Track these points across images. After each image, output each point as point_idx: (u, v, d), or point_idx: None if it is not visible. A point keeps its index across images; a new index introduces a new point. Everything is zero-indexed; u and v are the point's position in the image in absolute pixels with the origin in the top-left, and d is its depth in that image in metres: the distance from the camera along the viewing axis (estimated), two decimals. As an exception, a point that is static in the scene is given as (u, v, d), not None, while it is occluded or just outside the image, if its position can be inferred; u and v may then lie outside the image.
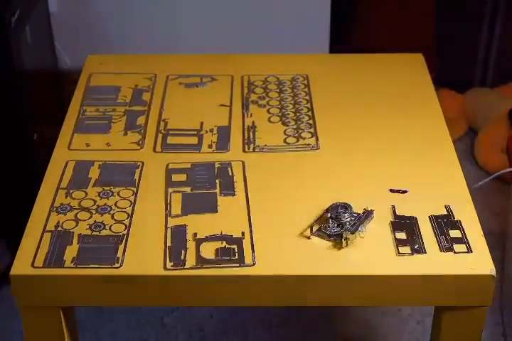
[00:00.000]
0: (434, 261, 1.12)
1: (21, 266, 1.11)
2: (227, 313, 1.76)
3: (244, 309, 1.76)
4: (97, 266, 1.11)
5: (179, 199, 1.22)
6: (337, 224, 1.15)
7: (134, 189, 1.24)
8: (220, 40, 2.09)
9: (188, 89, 1.50)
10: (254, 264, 1.11)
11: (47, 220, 1.18)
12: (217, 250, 1.13)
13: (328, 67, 1.57)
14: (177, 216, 1.19)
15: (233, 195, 1.23)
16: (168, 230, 1.16)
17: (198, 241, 1.14)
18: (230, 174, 1.28)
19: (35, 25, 1.88)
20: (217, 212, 1.20)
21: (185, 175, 1.27)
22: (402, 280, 1.11)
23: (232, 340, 1.71)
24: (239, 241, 1.14)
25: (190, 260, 1.11)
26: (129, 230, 1.17)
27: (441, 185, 1.25)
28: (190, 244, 1.14)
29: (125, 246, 1.14)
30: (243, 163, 1.30)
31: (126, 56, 1.63)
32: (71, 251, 1.13)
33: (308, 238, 1.15)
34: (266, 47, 2.07)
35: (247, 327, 1.73)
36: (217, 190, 1.24)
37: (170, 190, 1.24)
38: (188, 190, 1.24)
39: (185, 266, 1.10)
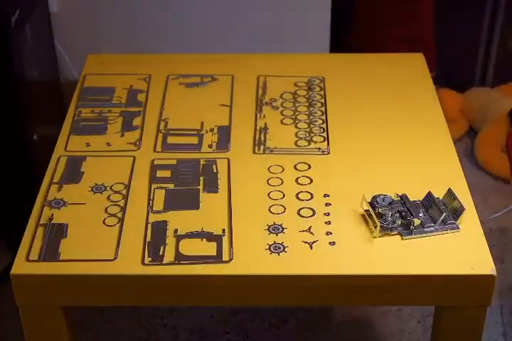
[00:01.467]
0: (434, 261, 1.12)
1: (21, 264, 1.12)
2: (227, 313, 1.76)
3: (245, 309, 1.76)
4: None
5: (162, 194, 1.23)
6: (399, 215, 1.15)
7: (126, 184, 1.26)
8: (220, 40, 2.09)
9: (188, 89, 1.50)
10: (231, 261, 1.11)
11: (40, 215, 1.19)
12: (196, 246, 1.13)
13: (327, 66, 1.57)
14: (159, 212, 1.20)
15: (216, 191, 1.24)
16: (149, 225, 1.17)
17: (178, 238, 1.15)
18: (215, 171, 1.28)
19: (35, 25, 1.88)
20: (199, 208, 1.21)
21: (169, 172, 1.28)
22: (403, 280, 1.11)
23: (232, 340, 1.71)
24: (219, 239, 1.15)
25: (169, 256, 1.12)
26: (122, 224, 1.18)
27: (442, 185, 1.25)
28: (170, 240, 1.15)
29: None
30: (228, 160, 1.30)
31: (126, 56, 1.63)
32: (65, 244, 1.14)
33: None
34: (266, 47, 2.07)
35: (247, 327, 1.73)
36: (201, 187, 1.25)
37: (153, 185, 1.25)
38: (171, 186, 1.25)
39: (163, 262, 1.11)
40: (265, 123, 1.40)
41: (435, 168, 1.29)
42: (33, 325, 1.16)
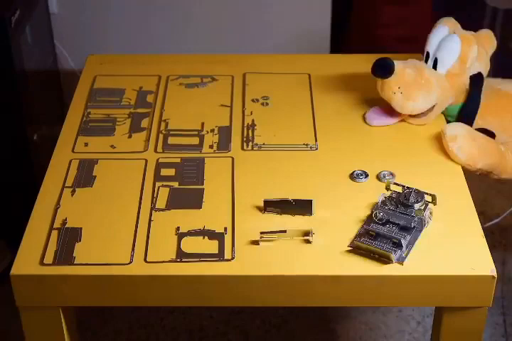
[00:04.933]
0: (434, 262, 1.12)
1: (21, 265, 1.12)
2: (227, 313, 1.76)
3: (245, 309, 1.76)
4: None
5: (166, 193, 1.23)
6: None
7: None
8: (220, 40, 2.09)
9: (188, 90, 1.50)
10: (233, 259, 1.12)
11: (53, 218, 1.19)
12: (197, 244, 1.14)
13: (328, 66, 1.57)
14: (162, 210, 1.20)
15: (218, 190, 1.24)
16: (152, 223, 1.18)
17: (180, 235, 1.15)
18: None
19: (36, 25, 1.88)
20: (201, 207, 1.21)
21: (173, 170, 1.28)
22: (403, 281, 1.11)
23: (232, 340, 1.71)
24: (220, 237, 1.15)
25: (171, 253, 1.12)
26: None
27: (442, 185, 1.25)
28: (172, 238, 1.15)
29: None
30: (233, 159, 1.31)
31: (126, 56, 1.63)
32: (80, 248, 1.14)
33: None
34: (266, 47, 2.08)
35: (247, 327, 1.73)
36: (204, 186, 1.25)
37: (158, 184, 1.25)
38: (175, 184, 1.25)
39: (165, 259, 1.11)
40: (252, 120, 1.40)
41: (435, 168, 1.29)
42: (32, 326, 1.16)
